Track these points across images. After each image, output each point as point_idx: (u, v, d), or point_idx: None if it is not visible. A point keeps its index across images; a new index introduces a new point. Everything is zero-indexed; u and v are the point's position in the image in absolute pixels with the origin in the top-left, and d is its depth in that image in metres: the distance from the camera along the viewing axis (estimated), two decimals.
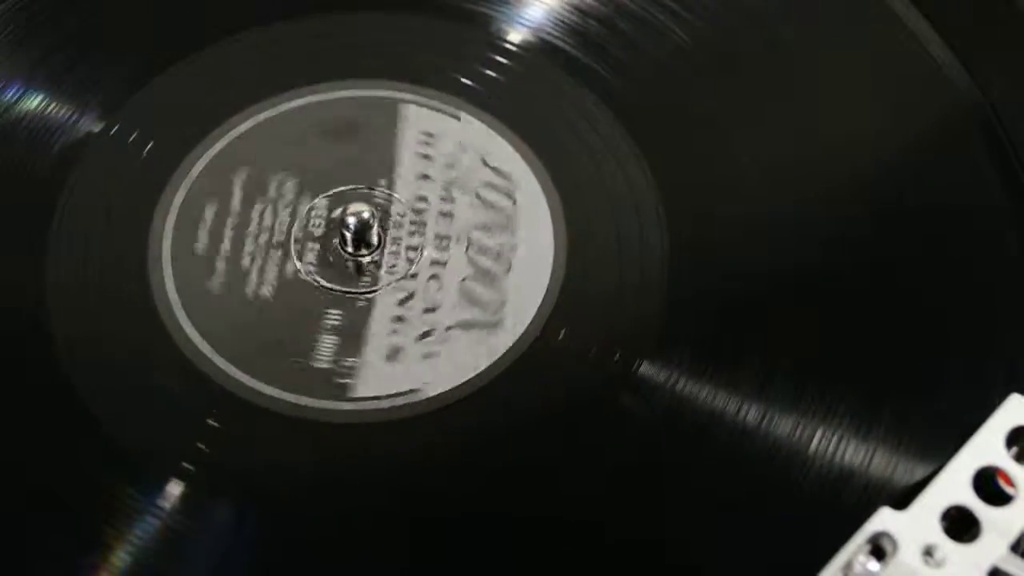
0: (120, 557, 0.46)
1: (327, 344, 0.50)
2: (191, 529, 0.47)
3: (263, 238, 0.53)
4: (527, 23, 0.57)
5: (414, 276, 0.52)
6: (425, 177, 0.53)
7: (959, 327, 0.50)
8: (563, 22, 0.57)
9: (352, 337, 0.50)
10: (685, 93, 0.56)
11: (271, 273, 0.52)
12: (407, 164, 0.54)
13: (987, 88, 0.55)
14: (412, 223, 0.53)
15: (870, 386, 0.49)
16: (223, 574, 0.47)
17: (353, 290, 0.51)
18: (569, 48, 0.56)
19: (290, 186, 0.53)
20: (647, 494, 0.47)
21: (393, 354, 0.50)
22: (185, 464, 0.48)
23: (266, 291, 0.52)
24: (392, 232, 0.52)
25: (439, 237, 0.52)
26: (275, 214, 0.53)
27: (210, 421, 0.49)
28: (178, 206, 0.53)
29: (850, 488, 0.47)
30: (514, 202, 0.52)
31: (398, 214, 0.53)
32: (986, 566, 0.41)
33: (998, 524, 0.42)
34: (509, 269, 0.51)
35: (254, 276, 0.52)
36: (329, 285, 0.52)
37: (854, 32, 0.57)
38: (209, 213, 0.53)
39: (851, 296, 0.51)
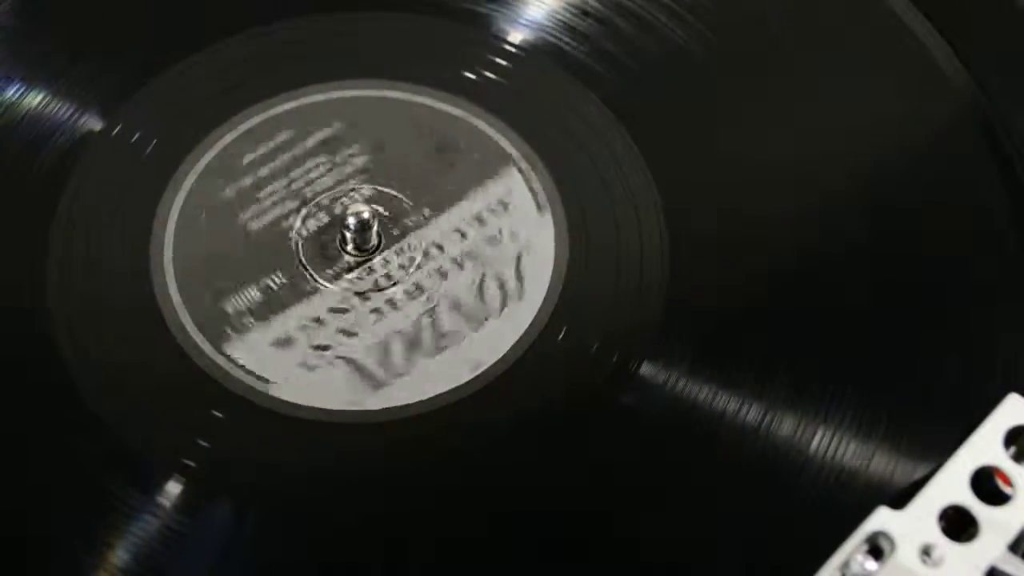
0: (120, 557, 0.46)
1: (248, 295, 0.51)
2: (191, 529, 0.47)
3: (297, 184, 0.53)
4: (527, 23, 0.57)
5: (365, 299, 0.52)
6: (461, 234, 0.53)
7: (959, 327, 0.50)
8: (563, 22, 0.57)
9: (270, 305, 0.51)
10: (685, 93, 0.56)
11: (272, 215, 0.52)
12: (459, 215, 0.54)
13: (987, 88, 0.55)
14: (411, 259, 0.52)
15: (870, 386, 0.49)
16: (223, 574, 0.47)
17: (313, 272, 0.52)
18: (569, 48, 0.56)
19: (358, 162, 0.54)
20: (647, 494, 0.47)
21: (282, 342, 0.50)
22: (185, 464, 0.48)
23: (255, 225, 0.52)
24: (390, 254, 0.52)
25: (417, 286, 0.52)
26: (324, 174, 0.53)
27: (210, 421, 0.49)
28: (178, 206, 0.53)
29: (850, 488, 0.47)
30: (501, 308, 0.52)
31: (410, 245, 0.53)
32: (984, 566, 0.41)
33: (996, 524, 0.42)
34: (433, 355, 0.50)
35: (260, 207, 0.53)
36: (301, 256, 0.52)
37: (854, 32, 0.57)
38: (279, 139, 0.54)
39: (851, 296, 0.51)
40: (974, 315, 0.51)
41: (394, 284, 0.52)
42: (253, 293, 0.51)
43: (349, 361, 0.50)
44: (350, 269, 0.52)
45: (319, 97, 0.55)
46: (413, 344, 0.50)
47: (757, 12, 0.57)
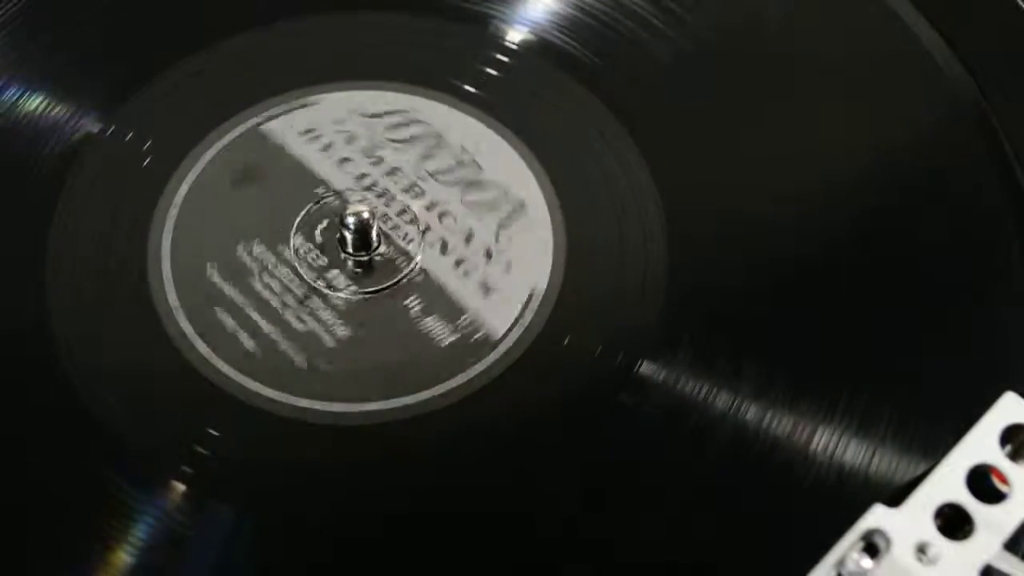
0: (120, 557, 0.46)
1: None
2: (191, 529, 0.47)
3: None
4: (527, 23, 0.57)
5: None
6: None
7: (959, 327, 0.50)
8: (563, 22, 0.57)
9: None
10: (685, 93, 0.56)
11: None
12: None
13: (987, 88, 0.55)
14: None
15: (870, 386, 0.49)
16: (223, 574, 0.47)
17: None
18: (569, 48, 0.56)
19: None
20: (647, 494, 0.47)
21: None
22: (185, 464, 0.48)
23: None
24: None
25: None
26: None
27: (210, 421, 0.49)
28: (178, 206, 0.53)
29: (850, 488, 0.47)
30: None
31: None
32: (979, 564, 0.41)
33: (992, 522, 0.42)
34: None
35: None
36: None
37: (854, 32, 0.57)
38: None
39: (851, 296, 0.51)
40: (974, 315, 0.51)
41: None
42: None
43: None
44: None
45: (317, 98, 0.55)
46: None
47: (757, 12, 0.57)
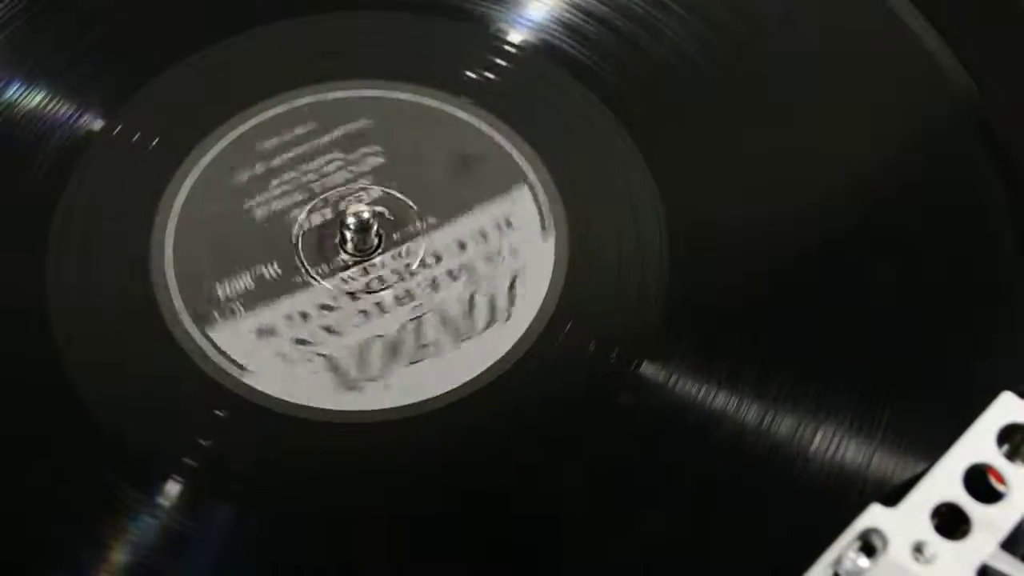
0: (120, 557, 0.46)
1: (242, 282, 0.51)
2: (191, 529, 0.47)
3: (308, 177, 0.53)
4: (527, 23, 0.57)
5: (354, 299, 0.52)
6: (462, 247, 0.53)
7: (959, 327, 0.50)
8: (563, 22, 0.57)
9: (261, 295, 0.51)
10: (685, 93, 0.56)
11: (278, 205, 0.53)
12: (464, 227, 0.53)
13: (987, 88, 0.55)
14: (407, 266, 0.52)
15: (870, 386, 0.49)
16: (223, 574, 0.47)
17: (308, 267, 0.52)
18: (569, 48, 0.56)
19: (371, 162, 0.54)
20: (647, 494, 0.47)
21: (265, 331, 0.50)
22: (185, 464, 0.48)
23: (260, 213, 0.53)
24: (386, 257, 0.52)
25: (408, 293, 0.52)
26: (337, 171, 0.54)
27: (210, 421, 0.49)
28: (179, 205, 0.53)
29: (850, 488, 0.47)
30: (488, 326, 0.51)
31: (409, 250, 0.53)
32: (976, 563, 0.41)
33: (989, 521, 0.42)
34: (405, 366, 0.50)
35: (267, 196, 0.53)
36: (299, 249, 0.52)
37: (854, 32, 0.57)
38: (297, 131, 0.55)
39: (851, 296, 0.51)
40: (974, 315, 0.51)
41: (385, 288, 0.52)
42: (246, 280, 0.51)
43: (327, 358, 0.50)
44: (345, 268, 0.52)
45: (319, 97, 0.55)
46: (393, 350, 0.50)
47: (757, 12, 0.57)
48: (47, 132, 0.54)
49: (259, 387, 0.49)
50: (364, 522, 0.47)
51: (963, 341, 0.50)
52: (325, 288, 0.52)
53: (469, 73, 0.56)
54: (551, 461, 0.48)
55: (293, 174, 0.54)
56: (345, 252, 0.52)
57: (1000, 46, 0.56)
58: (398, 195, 0.53)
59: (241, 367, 0.50)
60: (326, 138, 0.54)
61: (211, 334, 0.50)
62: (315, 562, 0.46)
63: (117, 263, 0.52)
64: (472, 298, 0.51)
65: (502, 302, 0.51)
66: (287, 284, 0.52)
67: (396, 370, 0.50)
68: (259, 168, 0.54)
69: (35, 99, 0.55)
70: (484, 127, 0.55)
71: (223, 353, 0.50)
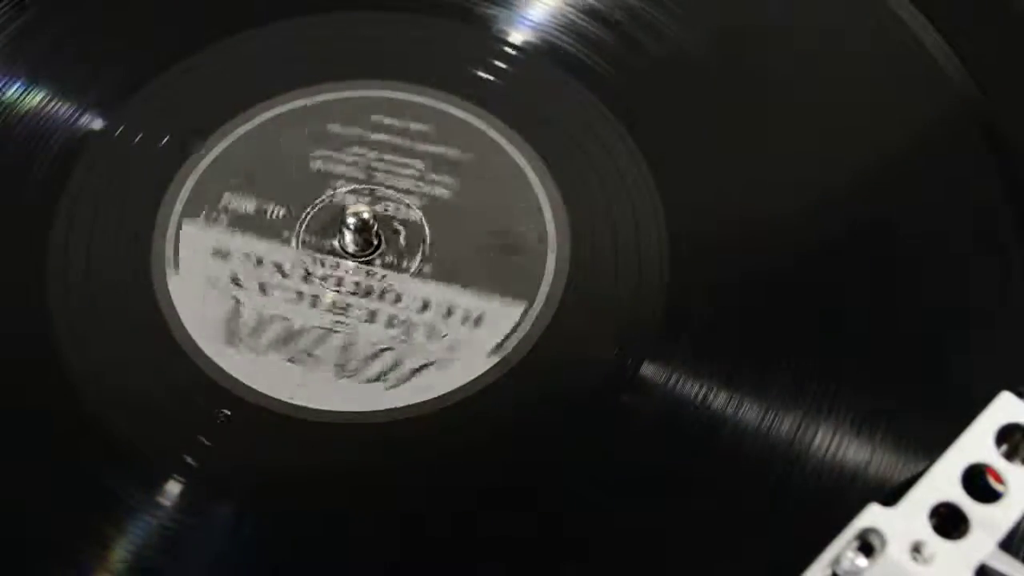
0: (120, 557, 0.46)
1: (246, 204, 0.52)
2: (191, 529, 0.47)
3: (381, 165, 0.54)
4: (528, 23, 0.57)
5: (305, 280, 0.52)
6: (424, 306, 0.52)
7: (959, 327, 0.50)
8: (563, 22, 0.57)
9: (247, 223, 0.52)
10: (685, 93, 0.56)
11: (337, 169, 0.54)
12: (444, 295, 0.52)
13: (987, 88, 0.55)
14: (366, 287, 0.52)
15: (870, 386, 0.49)
16: (223, 574, 0.47)
17: (301, 230, 0.52)
18: (569, 48, 0.56)
19: (438, 192, 0.54)
20: (647, 494, 0.47)
21: (219, 252, 0.52)
22: (185, 463, 0.48)
23: (316, 165, 0.54)
24: (358, 265, 0.52)
25: (344, 306, 0.52)
26: (409, 178, 0.54)
27: (210, 420, 0.49)
28: (180, 205, 0.53)
29: (850, 488, 0.47)
30: (357, 376, 0.51)
31: (379, 276, 0.53)
32: (974, 563, 0.41)
33: (987, 521, 0.42)
34: (289, 360, 0.50)
35: (335, 155, 0.54)
36: (310, 213, 0.53)
37: (854, 32, 0.57)
38: (416, 127, 0.55)
39: (851, 296, 0.51)
40: (974, 315, 0.51)
41: (334, 290, 0.52)
42: (250, 204, 0.52)
43: (236, 303, 0.51)
44: (323, 251, 0.52)
45: (320, 97, 0.55)
46: (283, 339, 0.51)
47: (757, 12, 0.57)
48: (47, 132, 0.54)
49: (178, 302, 0.51)
50: (364, 522, 0.47)
51: (963, 341, 0.50)
52: (293, 253, 0.52)
53: (469, 74, 0.56)
54: (551, 461, 0.48)
55: (375, 154, 0.54)
56: (337, 241, 0.52)
57: (1000, 46, 0.56)
58: (427, 230, 0.53)
59: (176, 264, 0.51)
60: (426, 147, 0.54)
61: (184, 223, 0.52)
62: (315, 562, 0.46)
63: (117, 263, 0.52)
64: (382, 352, 0.51)
65: (399, 374, 0.50)
66: (272, 230, 0.52)
67: (267, 354, 0.50)
68: (355, 131, 0.54)
69: (35, 99, 0.55)
70: (484, 127, 0.55)
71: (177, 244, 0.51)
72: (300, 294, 0.51)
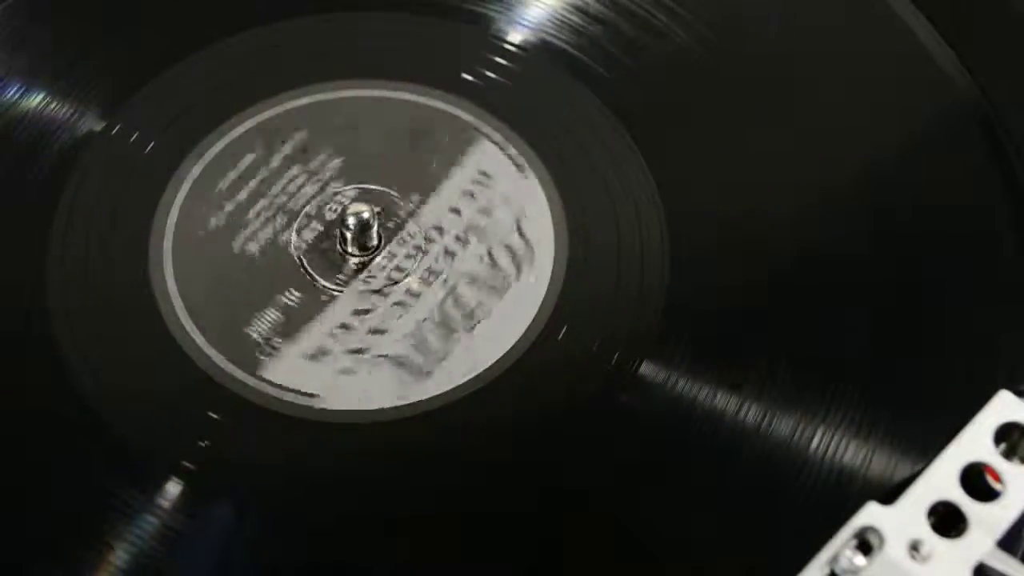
0: (120, 557, 0.46)
1: (269, 318, 0.51)
2: (191, 529, 0.47)
3: (279, 200, 0.53)
4: (528, 23, 0.57)
5: (384, 295, 0.52)
6: (456, 211, 0.53)
7: (959, 327, 0.50)
8: (563, 22, 0.57)
9: (295, 323, 0.51)
10: (685, 93, 0.56)
11: (266, 234, 0.52)
12: (450, 192, 0.54)
13: (987, 88, 0.55)
14: (415, 247, 0.52)
15: (870, 386, 0.49)
16: (223, 574, 0.47)
17: (324, 282, 0.52)
18: (569, 48, 0.56)
19: (334, 165, 0.54)
20: (647, 494, 0.47)
21: (317, 354, 0.50)
22: (185, 463, 0.48)
23: (253, 248, 0.52)
24: (393, 246, 0.52)
25: (430, 271, 0.52)
26: (304, 184, 0.53)
27: (211, 420, 0.49)
28: (179, 205, 0.53)
29: (850, 488, 0.47)
30: (518, 273, 0.52)
31: (409, 233, 0.53)
32: (972, 562, 0.41)
33: (985, 520, 0.42)
34: (472, 331, 0.51)
35: (251, 230, 0.52)
36: (307, 267, 0.52)
37: (854, 32, 0.57)
38: (246, 162, 0.54)
39: (851, 296, 0.51)
40: (974, 315, 0.51)
41: (407, 275, 0.52)
42: (272, 314, 0.51)
43: (390, 358, 0.50)
44: (359, 270, 0.52)
45: (319, 97, 0.55)
46: (445, 327, 0.50)
47: (757, 12, 0.57)
48: (47, 132, 0.54)
49: (333, 407, 0.49)
50: (363, 522, 0.47)
51: (962, 341, 0.50)
52: (351, 294, 0.52)
53: (469, 74, 0.56)
54: (551, 462, 0.48)
55: (263, 202, 0.53)
56: (352, 256, 0.52)
57: (1000, 46, 0.56)
58: (374, 187, 0.53)
59: (312, 395, 0.49)
60: (275, 160, 0.54)
61: (264, 375, 0.50)
62: (315, 562, 0.46)
63: (117, 263, 0.52)
64: (490, 252, 0.52)
65: (518, 245, 0.52)
66: (313, 304, 0.51)
67: (458, 342, 0.50)
68: (228, 207, 0.53)
69: (35, 99, 0.55)
70: (484, 127, 0.55)
71: (287, 388, 0.50)
72: (400, 303, 0.52)
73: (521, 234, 0.52)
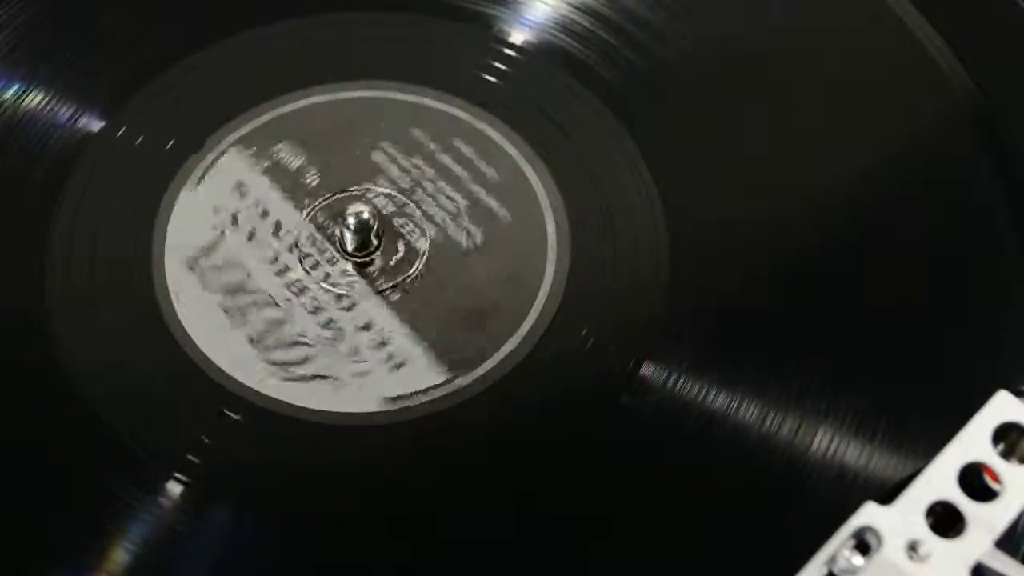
0: (120, 557, 0.46)
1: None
2: (191, 529, 0.47)
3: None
4: (528, 23, 0.57)
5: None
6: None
7: (959, 327, 0.50)
8: (563, 22, 0.57)
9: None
10: (685, 93, 0.56)
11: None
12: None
13: (986, 88, 0.55)
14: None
15: (870, 386, 0.49)
16: (223, 574, 0.47)
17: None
18: (569, 48, 0.56)
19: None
20: (647, 494, 0.47)
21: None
22: (185, 463, 0.48)
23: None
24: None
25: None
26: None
27: (210, 421, 0.49)
28: (179, 206, 0.53)
29: (850, 488, 0.47)
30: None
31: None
32: (971, 562, 0.41)
33: (983, 520, 0.42)
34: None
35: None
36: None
37: (854, 32, 0.57)
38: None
39: (851, 296, 0.51)
40: (974, 315, 0.51)
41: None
42: (296, 160, 0.53)
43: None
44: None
45: (317, 99, 0.55)
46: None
47: (757, 12, 0.57)
48: (47, 133, 0.54)
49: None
50: (363, 522, 0.47)
51: (962, 341, 0.50)
52: (298, 221, 0.53)
53: (469, 74, 0.56)
54: (551, 461, 0.48)
55: (433, 171, 0.54)
56: (338, 233, 0.52)
57: (1000, 46, 0.56)
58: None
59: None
60: (474, 187, 0.54)
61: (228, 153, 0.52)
62: (315, 562, 0.46)
63: (117, 264, 0.52)
64: (299, 345, 0.51)
65: (301, 372, 0.50)
66: (297, 192, 0.53)
67: (211, 293, 0.51)
68: (430, 146, 0.54)
69: (35, 99, 0.55)
70: (484, 127, 0.55)
71: None
72: (276, 259, 0.52)
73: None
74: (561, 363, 0.50)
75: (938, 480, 0.42)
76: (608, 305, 0.51)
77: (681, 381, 0.49)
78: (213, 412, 0.49)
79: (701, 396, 0.49)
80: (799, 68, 0.56)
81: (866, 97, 0.55)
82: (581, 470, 0.48)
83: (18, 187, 0.53)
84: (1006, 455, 0.43)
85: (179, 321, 0.51)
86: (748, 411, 0.48)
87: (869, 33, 0.57)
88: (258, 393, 0.49)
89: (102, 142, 0.54)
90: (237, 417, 0.49)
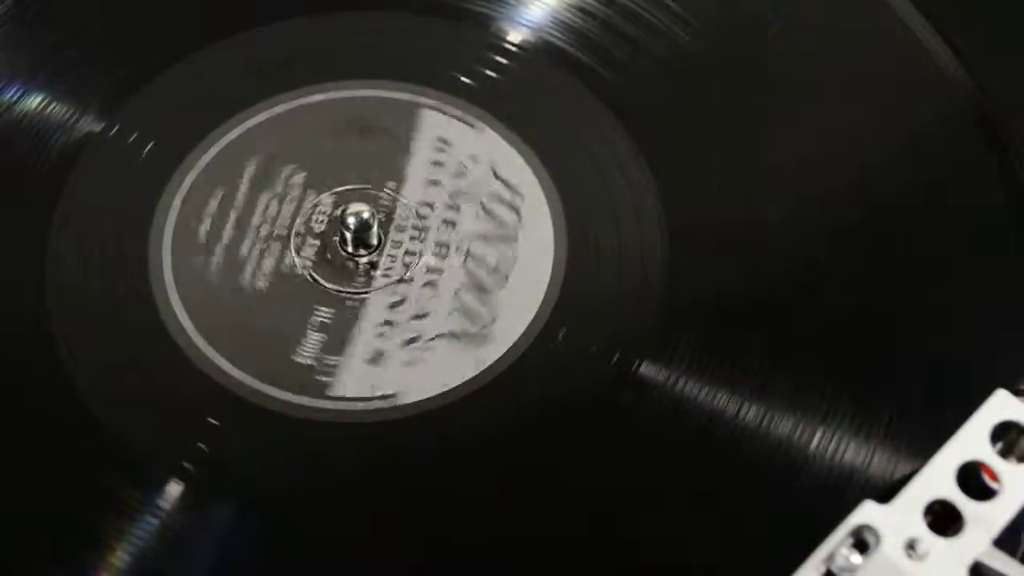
0: (120, 557, 0.46)
1: (313, 341, 0.50)
2: (191, 529, 0.47)
3: (265, 230, 0.53)
4: (527, 23, 0.57)
5: (409, 281, 0.52)
6: (434, 183, 0.53)
7: (959, 327, 0.50)
8: (563, 22, 0.57)
9: (338, 336, 0.50)
10: (685, 93, 0.56)
11: (268, 265, 0.52)
12: (418, 168, 0.54)
13: (987, 88, 0.55)
14: (414, 228, 0.53)
15: (870, 386, 0.49)
16: (223, 574, 0.47)
17: (346, 289, 0.52)
18: (569, 48, 0.56)
19: (298, 180, 0.54)
20: (647, 494, 0.47)
21: (376, 357, 0.50)
22: (185, 464, 0.48)
23: (261, 283, 0.52)
24: (393, 235, 0.52)
25: (439, 244, 0.52)
26: (280, 207, 0.53)
27: (210, 421, 0.49)
28: (178, 206, 0.53)
29: (850, 488, 0.47)
30: (519, 216, 0.52)
31: (402, 217, 0.53)
32: (969, 560, 0.41)
33: (981, 518, 0.42)
34: (505, 284, 0.51)
35: (251, 267, 0.52)
36: (323, 282, 0.52)
37: (854, 32, 0.57)
38: (214, 202, 0.53)
39: (851, 296, 0.51)
40: (974, 315, 0.51)
41: (420, 255, 0.52)
42: (313, 339, 0.51)
43: (443, 336, 0.50)
44: (375, 266, 0.52)
45: (320, 97, 0.55)
46: (481, 290, 0.51)
47: (757, 12, 0.57)
48: (46, 133, 0.54)
49: (410, 400, 0.49)
50: (363, 522, 0.47)
51: (963, 341, 0.50)
52: (379, 293, 0.52)
53: (469, 73, 0.56)
54: (551, 462, 0.48)
55: (250, 237, 0.53)
56: (359, 257, 0.52)
57: (1000, 46, 0.56)
58: (346, 188, 0.53)
59: (392, 396, 0.49)
60: (241, 191, 0.54)
61: (335, 393, 0.49)
62: (315, 562, 0.46)
63: (116, 263, 0.52)
64: (484, 207, 0.52)
65: (504, 192, 0.52)
66: (348, 314, 0.51)
67: (498, 298, 0.51)
68: (218, 251, 0.53)
69: (34, 100, 0.55)
70: (484, 127, 0.55)
71: (361, 399, 0.49)
72: (428, 284, 0.52)
73: (500, 180, 0.53)
74: (561, 363, 0.50)
75: (937, 479, 0.42)
76: (608, 305, 0.51)
77: (681, 381, 0.49)
78: (213, 412, 0.49)
79: (701, 396, 0.49)
80: (799, 68, 0.56)
81: (866, 97, 0.55)
82: (581, 470, 0.48)
83: (18, 187, 0.53)
84: (1004, 454, 0.43)
85: (179, 321, 0.50)
86: (747, 411, 0.48)
87: (869, 33, 0.57)
88: (258, 392, 0.49)
89: (102, 142, 0.54)
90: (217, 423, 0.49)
